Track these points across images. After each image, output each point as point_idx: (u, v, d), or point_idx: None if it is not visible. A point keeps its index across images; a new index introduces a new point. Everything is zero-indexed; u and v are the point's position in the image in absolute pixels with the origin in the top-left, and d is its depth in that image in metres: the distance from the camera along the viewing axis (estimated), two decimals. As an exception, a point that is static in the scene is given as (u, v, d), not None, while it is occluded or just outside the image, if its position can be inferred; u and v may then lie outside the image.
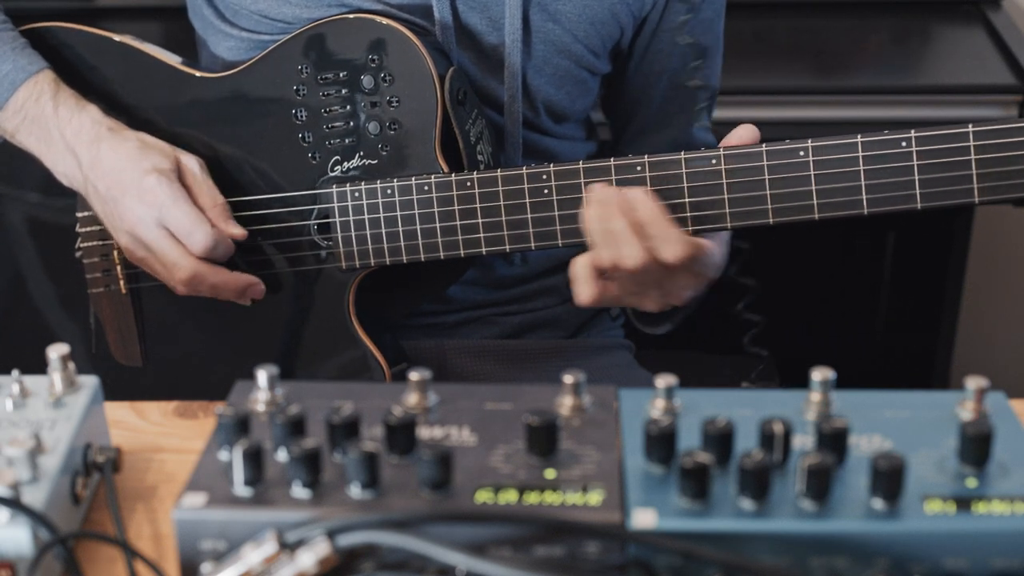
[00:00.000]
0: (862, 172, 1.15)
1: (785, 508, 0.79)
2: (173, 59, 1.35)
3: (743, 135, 1.19)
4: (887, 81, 2.02)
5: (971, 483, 0.82)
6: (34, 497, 0.84)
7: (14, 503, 0.82)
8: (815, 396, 0.89)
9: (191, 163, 1.28)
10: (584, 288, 1.20)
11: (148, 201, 1.24)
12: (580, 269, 1.20)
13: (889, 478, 0.79)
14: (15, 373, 0.94)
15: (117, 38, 1.35)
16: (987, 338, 2.51)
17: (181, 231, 1.25)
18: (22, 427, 0.91)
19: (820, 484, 0.79)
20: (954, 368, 2.28)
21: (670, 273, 1.18)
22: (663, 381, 0.89)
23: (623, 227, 1.16)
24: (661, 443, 0.83)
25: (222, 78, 1.33)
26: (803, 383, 0.90)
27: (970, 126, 1.12)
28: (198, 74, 1.34)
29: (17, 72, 1.28)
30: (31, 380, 0.96)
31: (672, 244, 1.15)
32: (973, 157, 1.12)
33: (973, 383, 0.88)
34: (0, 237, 1.41)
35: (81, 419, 0.92)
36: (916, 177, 1.14)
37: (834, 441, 0.83)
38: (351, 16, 1.28)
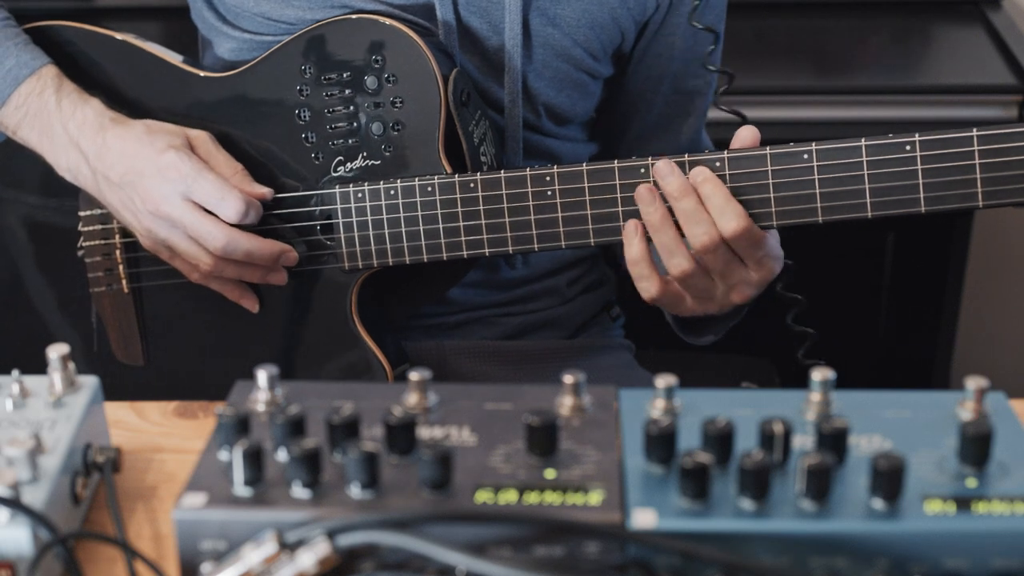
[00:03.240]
0: (866, 176, 1.15)
1: (785, 508, 0.79)
2: (175, 58, 1.35)
3: (745, 137, 1.19)
4: (887, 81, 2.02)
5: (971, 483, 0.82)
6: (34, 497, 0.84)
7: (14, 503, 0.82)
8: (815, 396, 0.89)
9: (201, 136, 1.28)
10: (649, 284, 1.21)
11: (171, 177, 1.24)
12: (641, 268, 1.21)
13: (889, 478, 0.79)
14: (15, 373, 0.94)
15: (119, 37, 1.35)
16: (987, 338, 2.51)
17: (211, 201, 1.24)
18: (22, 427, 0.91)
19: (820, 484, 0.79)
20: (954, 368, 2.28)
21: (733, 260, 1.19)
22: (663, 381, 0.89)
23: (695, 205, 1.17)
24: (661, 443, 0.83)
25: (225, 78, 1.33)
26: (803, 383, 0.90)
27: (974, 130, 1.12)
28: (202, 74, 1.34)
29: (20, 67, 1.28)
30: (31, 380, 0.96)
31: (732, 216, 1.16)
32: (977, 161, 1.12)
33: (973, 383, 0.88)
34: (0, 237, 1.41)
35: (81, 419, 0.92)
36: (920, 181, 1.14)
37: (834, 441, 0.83)
38: (354, 16, 1.28)
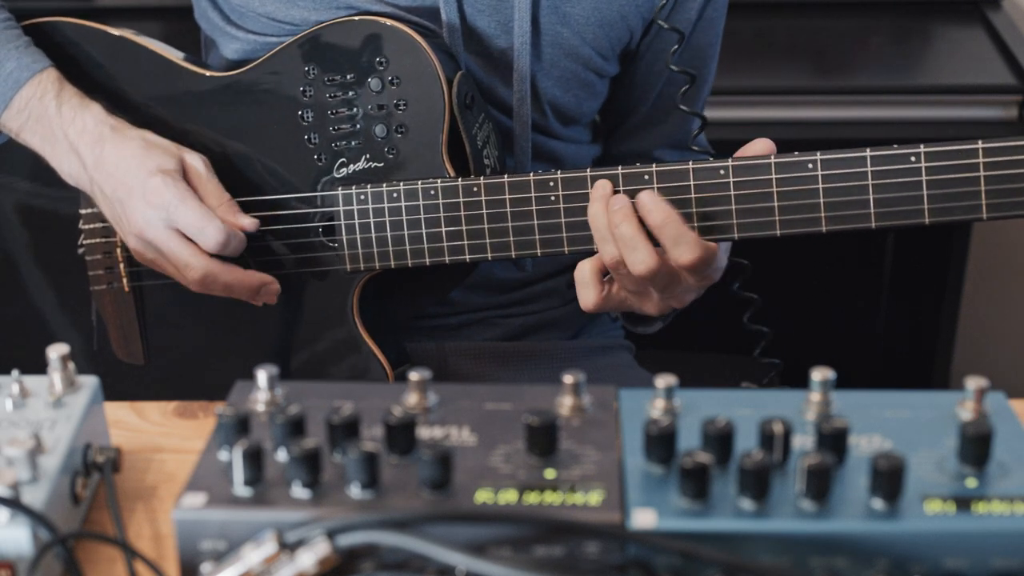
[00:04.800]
0: (871, 186, 1.15)
1: (785, 508, 0.80)
2: (176, 55, 1.35)
3: (757, 150, 1.18)
4: (887, 81, 2.02)
5: (971, 483, 0.82)
6: (34, 497, 0.84)
7: (14, 503, 0.82)
8: (815, 396, 0.89)
9: (195, 161, 1.27)
10: (588, 293, 1.22)
11: (155, 203, 1.24)
12: (584, 274, 1.21)
13: (889, 478, 0.79)
14: (15, 373, 0.94)
15: (120, 33, 1.35)
16: (987, 338, 2.51)
17: (192, 229, 1.24)
18: (22, 427, 0.91)
19: (820, 484, 0.79)
20: (954, 368, 2.28)
21: (677, 277, 1.19)
22: (663, 381, 0.89)
23: (633, 232, 1.16)
24: (661, 443, 0.83)
25: (228, 77, 1.33)
26: (803, 383, 0.90)
27: (980, 142, 1.12)
28: (206, 73, 1.33)
29: (21, 70, 1.28)
30: (31, 380, 0.96)
31: (687, 247, 1.16)
32: (982, 174, 1.12)
33: (973, 383, 0.88)
34: (0, 235, 1.41)
35: (81, 419, 0.92)
36: (924, 192, 1.14)
37: (834, 441, 0.83)
38: (358, 18, 1.28)
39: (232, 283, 1.27)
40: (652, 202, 1.16)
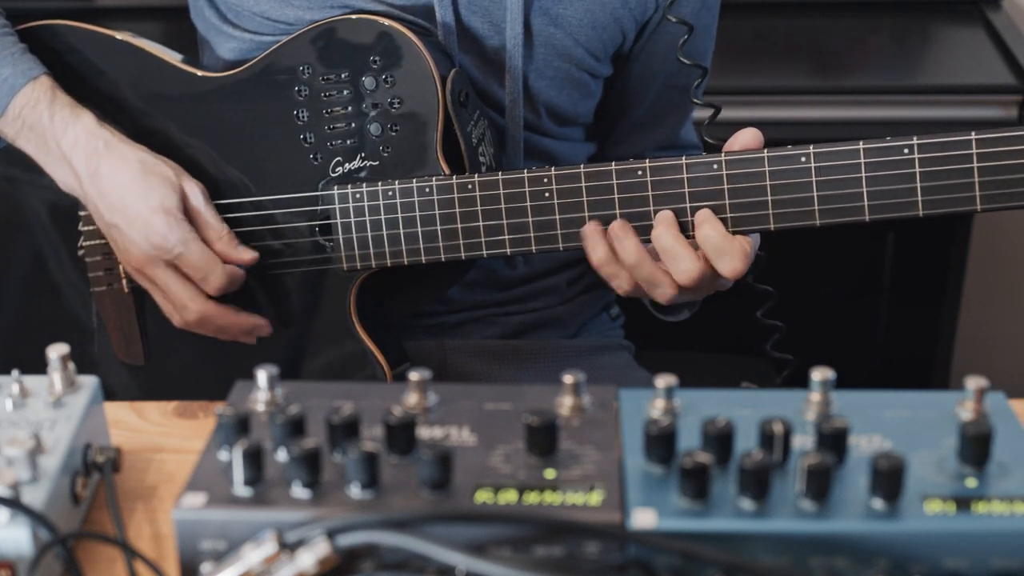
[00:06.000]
0: (864, 179, 1.14)
1: (785, 508, 0.80)
2: (174, 57, 1.35)
3: (746, 139, 1.18)
4: (887, 81, 2.02)
5: (971, 483, 0.82)
6: (34, 497, 0.84)
7: (14, 503, 0.82)
8: (815, 396, 0.89)
9: (194, 192, 1.27)
10: (620, 282, 1.23)
11: (157, 244, 1.24)
12: (607, 268, 1.22)
13: (889, 478, 0.79)
14: (15, 373, 0.94)
15: (118, 36, 1.35)
16: (987, 338, 2.51)
17: (196, 274, 1.26)
18: (22, 427, 0.91)
19: (820, 484, 0.79)
20: (954, 368, 2.28)
21: (717, 277, 1.20)
22: (663, 381, 0.89)
23: (672, 241, 1.18)
24: (661, 443, 0.83)
25: (224, 78, 1.33)
26: (803, 383, 0.90)
27: (972, 134, 1.12)
28: (200, 73, 1.34)
29: (16, 77, 1.27)
30: (31, 380, 0.96)
31: (732, 258, 1.17)
32: (976, 165, 1.12)
33: (973, 383, 0.88)
34: (0, 236, 1.41)
35: (81, 419, 0.92)
36: (918, 184, 1.14)
37: (834, 441, 0.83)
38: (353, 17, 1.28)
39: (226, 326, 1.29)
40: (699, 217, 1.17)
